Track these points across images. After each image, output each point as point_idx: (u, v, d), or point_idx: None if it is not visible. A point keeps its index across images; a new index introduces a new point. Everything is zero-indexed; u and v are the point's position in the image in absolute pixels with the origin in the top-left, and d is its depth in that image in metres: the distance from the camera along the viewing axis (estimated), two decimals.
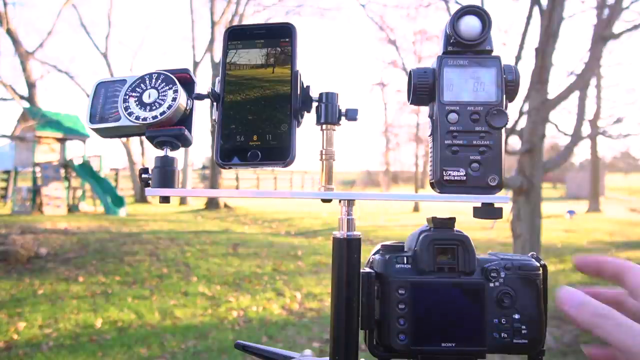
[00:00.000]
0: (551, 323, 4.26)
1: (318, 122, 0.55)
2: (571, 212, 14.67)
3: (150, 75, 0.55)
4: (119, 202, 13.32)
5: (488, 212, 0.53)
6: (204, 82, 15.01)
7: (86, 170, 14.14)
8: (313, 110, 0.55)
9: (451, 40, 0.55)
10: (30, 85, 15.67)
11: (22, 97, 14.99)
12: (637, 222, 13.53)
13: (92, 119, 0.56)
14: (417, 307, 0.51)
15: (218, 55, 15.02)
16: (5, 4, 14.48)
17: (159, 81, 0.54)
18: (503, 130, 0.54)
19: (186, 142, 0.55)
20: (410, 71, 0.56)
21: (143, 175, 0.54)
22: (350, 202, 0.54)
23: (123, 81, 0.56)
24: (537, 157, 3.99)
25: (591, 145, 17.63)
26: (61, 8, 16.96)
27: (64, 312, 4.46)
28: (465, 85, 0.54)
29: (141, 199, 17.13)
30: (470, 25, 0.54)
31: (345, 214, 0.54)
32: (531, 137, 4.01)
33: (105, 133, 0.57)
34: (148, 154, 19.20)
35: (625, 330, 0.39)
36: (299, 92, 0.54)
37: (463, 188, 0.53)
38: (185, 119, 0.55)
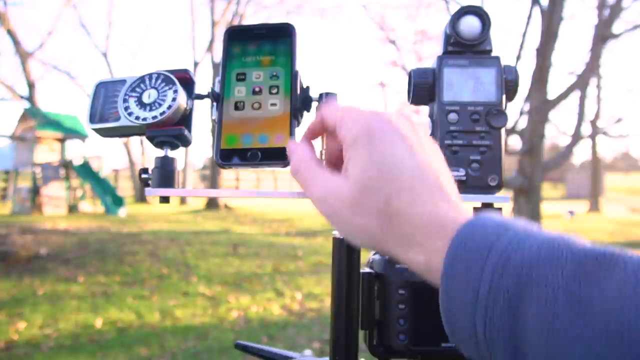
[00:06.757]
0: None
1: None
2: (571, 212, 14.67)
3: (150, 75, 0.55)
4: (118, 202, 13.32)
5: (488, 212, 0.53)
6: (204, 82, 15.03)
7: (86, 171, 14.14)
8: (313, 110, 0.55)
9: (451, 40, 0.55)
10: (30, 85, 15.67)
11: (22, 97, 14.99)
12: (637, 222, 13.53)
13: (92, 119, 0.56)
14: (418, 307, 0.51)
15: (218, 55, 15.02)
16: (5, 4, 14.50)
17: (159, 81, 0.54)
18: (503, 130, 0.54)
19: (186, 142, 0.55)
20: (410, 71, 0.56)
21: (143, 176, 0.54)
22: None
23: (123, 81, 0.56)
24: (537, 157, 4.00)
25: (591, 145, 17.67)
26: (61, 8, 16.99)
27: (64, 313, 4.46)
28: (465, 85, 0.54)
29: (141, 199, 17.13)
30: (470, 25, 0.54)
31: None
32: (531, 137, 4.02)
33: (105, 133, 0.57)
34: (148, 154, 19.24)
35: (309, 186, 0.38)
36: (298, 92, 0.54)
37: (463, 188, 0.53)
38: (185, 119, 0.55)
